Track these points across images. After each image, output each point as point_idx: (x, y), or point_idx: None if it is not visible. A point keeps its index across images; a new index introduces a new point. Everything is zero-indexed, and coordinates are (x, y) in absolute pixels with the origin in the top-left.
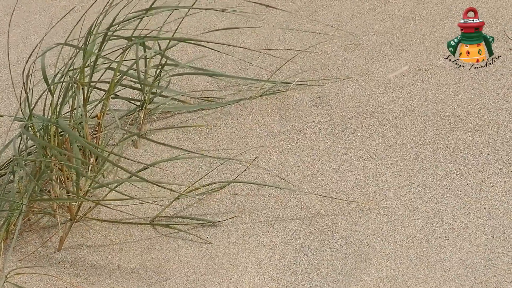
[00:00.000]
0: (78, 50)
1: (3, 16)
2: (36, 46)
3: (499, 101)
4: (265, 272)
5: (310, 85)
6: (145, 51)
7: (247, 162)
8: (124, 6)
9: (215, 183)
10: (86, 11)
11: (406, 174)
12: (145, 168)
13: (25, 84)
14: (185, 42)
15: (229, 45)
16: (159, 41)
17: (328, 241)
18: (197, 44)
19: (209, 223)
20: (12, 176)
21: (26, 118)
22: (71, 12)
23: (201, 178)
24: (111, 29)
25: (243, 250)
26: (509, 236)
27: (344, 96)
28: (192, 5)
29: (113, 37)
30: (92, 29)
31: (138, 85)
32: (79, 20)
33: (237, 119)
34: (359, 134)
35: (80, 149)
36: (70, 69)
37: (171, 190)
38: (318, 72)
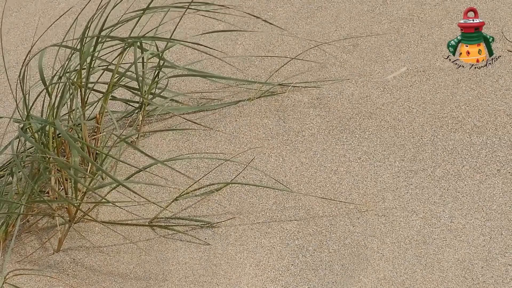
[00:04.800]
0: (74, 51)
1: (2, 18)
2: (31, 47)
3: (497, 102)
4: (263, 273)
5: (308, 86)
6: (142, 52)
7: (245, 164)
8: (115, 6)
9: (213, 184)
10: (80, 11)
11: (404, 175)
12: (143, 169)
13: (22, 85)
14: (182, 44)
15: (223, 54)
16: (157, 42)
17: (326, 242)
18: (194, 48)
19: (207, 225)
20: (10, 178)
21: (24, 119)
22: (71, 14)
23: (199, 180)
24: (107, 29)
25: (241, 251)
26: (506, 237)
27: (342, 97)
28: (189, 5)
29: (109, 38)
30: (88, 29)
31: (136, 87)
32: (75, 21)
33: (235, 120)
34: (357, 136)
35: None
36: (67, 70)
37: (164, 199)
38: (316, 73)
